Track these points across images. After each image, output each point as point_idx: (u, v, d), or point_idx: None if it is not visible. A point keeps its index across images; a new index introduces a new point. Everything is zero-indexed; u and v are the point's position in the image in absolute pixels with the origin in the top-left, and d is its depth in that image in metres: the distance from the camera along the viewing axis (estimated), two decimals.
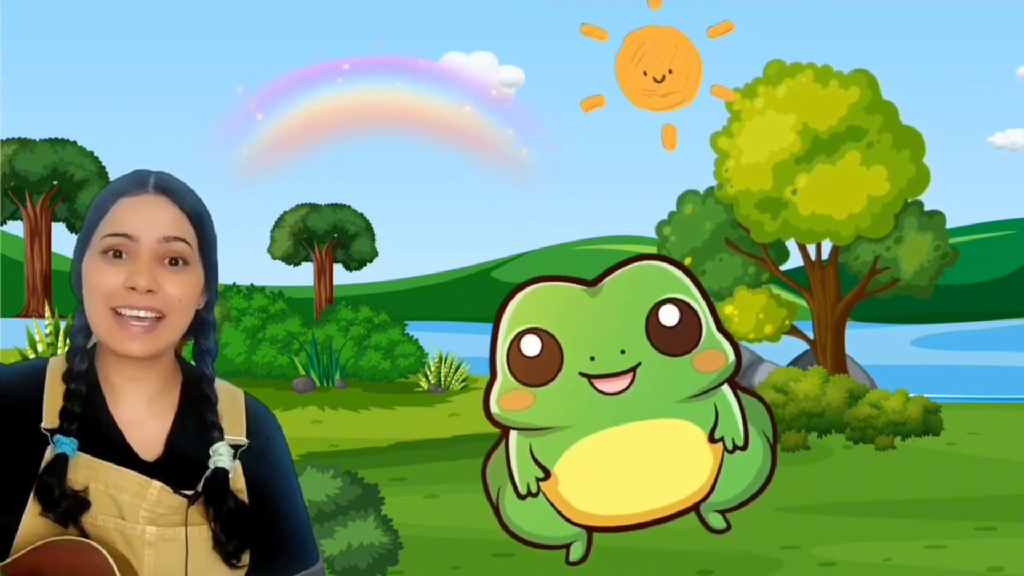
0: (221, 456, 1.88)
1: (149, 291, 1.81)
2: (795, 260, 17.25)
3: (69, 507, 1.79)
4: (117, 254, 1.82)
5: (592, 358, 3.25)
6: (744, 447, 3.31)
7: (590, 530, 3.35)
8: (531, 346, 3.25)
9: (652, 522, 3.36)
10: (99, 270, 1.82)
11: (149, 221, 1.83)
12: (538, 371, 3.25)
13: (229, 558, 1.86)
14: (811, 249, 16.87)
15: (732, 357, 3.29)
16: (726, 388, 3.32)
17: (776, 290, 17.26)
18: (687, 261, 17.06)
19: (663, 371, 3.27)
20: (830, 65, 16.28)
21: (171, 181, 1.89)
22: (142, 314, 1.82)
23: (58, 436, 1.81)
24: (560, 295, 3.31)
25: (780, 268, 17.20)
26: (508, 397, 3.27)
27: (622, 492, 3.34)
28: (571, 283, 3.32)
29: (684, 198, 17.32)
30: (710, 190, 17.08)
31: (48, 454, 1.81)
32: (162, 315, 1.83)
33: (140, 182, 1.87)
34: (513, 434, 3.30)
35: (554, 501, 3.32)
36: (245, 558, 1.89)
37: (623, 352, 3.25)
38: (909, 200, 16.14)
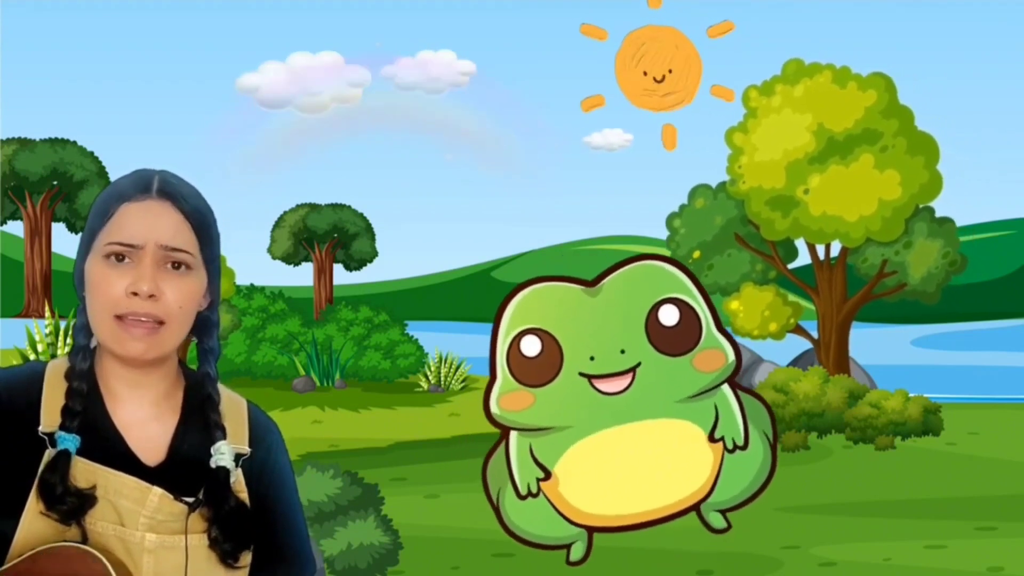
0: (223, 455, 1.87)
1: (151, 296, 1.81)
2: (803, 259, 17.24)
3: (74, 504, 1.77)
4: (120, 258, 1.82)
5: (592, 358, 3.25)
6: (744, 447, 3.31)
7: (590, 530, 3.35)
8: (531, 346, 3.25)
9: (653, 522, 3.36)
10: (103, 276, 1.82)
11: (151, 228, 1.83)
12: (538, 371, 3.25)
13: (226, 558, 1.85)
14: (820, 249, 16.87)
15: (732, 357, 3.29)
16: (726, 388, 3.32)
17: (782, 291, 17.24)
18: (695, 255, 17.07)
19: (663, 371, 3.27)
20: (849, 67, 16.25)
21: (175, 184, 1.88)
22: (144, 319, 1.82)
23: (60, 433, 1.80)
24: (560, 295, 3.31)
25: (788, 266, 17.19)
26: (508, 397, 3.27)
27: (622, 492, 3.34)
28: (571, 283, 3.31)
29: (695, 192, 17.29)
30: (722, 185, 17.05)
31: (48, 455, 1.79)
32: (163, 321, 1.83)
33: (144, 186, 1.86)
34: (513, 434, 3.30)
35: (554, 501, 3.32)
36: (244, 560, 1.88)
37: (623, 352, 3.25)
38: (920, 206, 16.12)
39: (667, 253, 17.38)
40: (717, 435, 3.30)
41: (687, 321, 3.27)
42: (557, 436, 3.29)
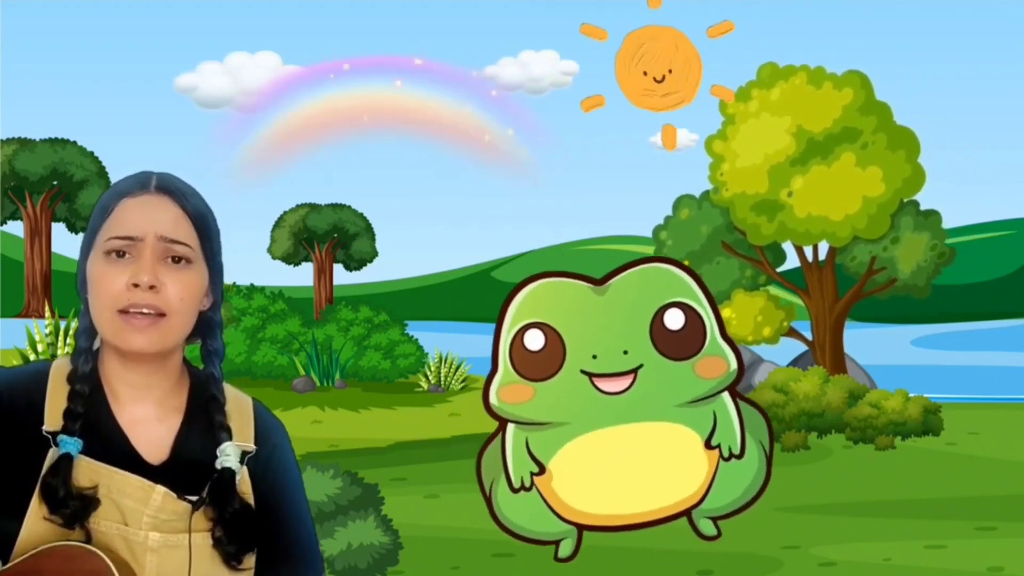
0: (228, 456, 1.87)
1: (152, 288, 1.82)
2: (792, 261, 17.29)
3: (77, 508, 1.78)
4: (120, 254, 1.83)
5: (594, 356, 3.25)
6: (740, 455, 3.32)
7: (580, 528, 3.35)
8: (535, 340, 3.25)
9: (643, 524, 3.36)
10: (104, 272, 1.83)
11: (151, 220, 1.84)
12: (540, 365, 3.25)
13: (230, 559, 1.85)
14: (808, 251, 16.91)
15: (734, 365, 3.29)
16: (726, 396, 3.32)
17: (774, 291, 17.28)
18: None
19: (664, 374, 3.27)
20: (823, 67, 16.32)
21: (174, 182, 1.90)
22: (145, 311, 1.82)
23: (62, 436, 1.80)
24: (567, 291, 3.30)
25: (777, 270, 17.23)
26: (508, 390, 3.27)
27: (615, 492, 3.34)
28: (579, 280, 3.31)
29: (680, 202, 17.37)
30: (706, 194, 17.13)
31: (51, 456, 1.80)
32: (164, 314, 1.83)
33: (142, 183, 1.88)
34: (511, 427, 3.30)
35: (547, 496, 3.31)
36: (249, 561, 1.88)
37: (626, 353, 3.25)
38: (905, 200, 16.17)
39: None
40: (714, 442, 3.30)
41: (692, 326, 3.27)
42: (554, 432, 3.29)
